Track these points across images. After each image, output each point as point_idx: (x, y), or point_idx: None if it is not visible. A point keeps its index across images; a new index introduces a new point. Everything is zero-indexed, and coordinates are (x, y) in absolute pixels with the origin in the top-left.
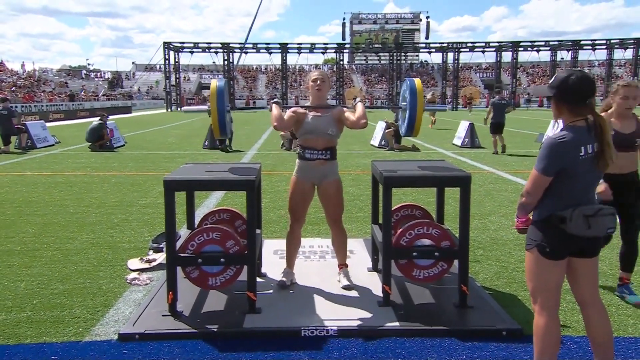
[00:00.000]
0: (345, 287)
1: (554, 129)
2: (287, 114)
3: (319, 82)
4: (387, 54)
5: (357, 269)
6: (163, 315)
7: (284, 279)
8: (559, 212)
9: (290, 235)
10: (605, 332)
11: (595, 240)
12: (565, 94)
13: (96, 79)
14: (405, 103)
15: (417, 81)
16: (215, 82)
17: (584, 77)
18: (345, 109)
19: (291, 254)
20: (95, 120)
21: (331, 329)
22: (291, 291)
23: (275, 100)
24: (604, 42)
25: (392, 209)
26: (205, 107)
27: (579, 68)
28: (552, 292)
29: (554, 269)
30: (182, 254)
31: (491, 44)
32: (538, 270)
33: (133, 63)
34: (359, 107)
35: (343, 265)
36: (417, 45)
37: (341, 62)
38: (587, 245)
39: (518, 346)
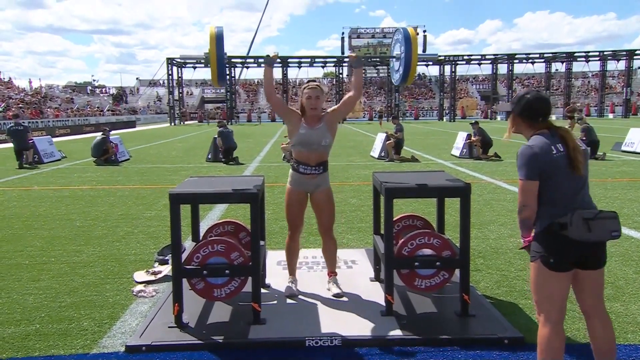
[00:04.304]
0: (336, 295)
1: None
2: (288, 107)
3: (313, 100)
4: (386, 67)
5: (359, 278)
6: (169, 327)
7: (291, 285)
8: (558, 218)
9: (290, 243)
10: (609, 342)
11: (598, 248)
12: (520, 110)
13: (101, 95)
14: (399, 52)
15: (411, 30)
16: (213, 27)
17: (538, 97)
18: (333, 108)
19: (292, 262)
20: (98, 135)
21: (335, 339)
22: (295, 302)
23: (267, 59)
24: (597, 53)
25: (394, 219)
26: (202, 54)
27: (536, 89)
28: (556, 304)
29: (558, 281)
30: (187, 266)
31: (487, 57)
32: (542, 282)
33: (137, 79)
34: (354, 76)
35: (332, 273)
36: None
37: (340, 75)
38: (591, 253)
39: (520, 354)
